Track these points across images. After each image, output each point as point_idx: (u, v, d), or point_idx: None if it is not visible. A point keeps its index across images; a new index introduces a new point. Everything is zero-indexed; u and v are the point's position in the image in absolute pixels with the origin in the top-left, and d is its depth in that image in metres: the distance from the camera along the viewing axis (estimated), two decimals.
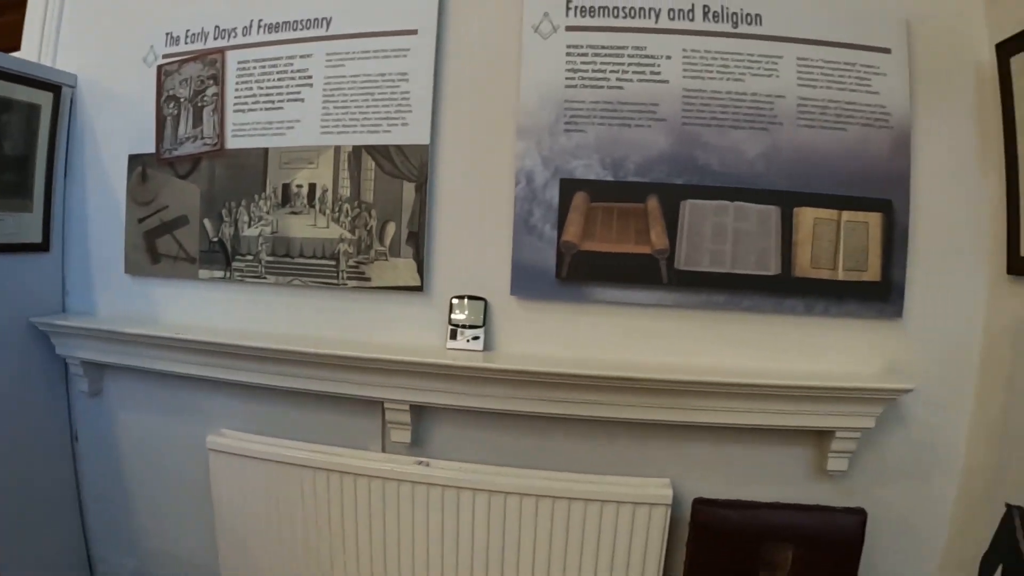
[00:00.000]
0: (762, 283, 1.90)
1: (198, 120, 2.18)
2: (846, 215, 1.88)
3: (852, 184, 1.89)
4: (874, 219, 1.87)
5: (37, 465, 2.27)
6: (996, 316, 1.89)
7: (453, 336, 1.98)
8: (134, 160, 2.23)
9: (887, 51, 1.90)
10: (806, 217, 1.88)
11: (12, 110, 2.13)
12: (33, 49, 2.33)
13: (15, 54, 2.28)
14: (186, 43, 2.21)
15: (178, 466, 2.28)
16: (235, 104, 2.15)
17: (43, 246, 2.24)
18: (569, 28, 1.94)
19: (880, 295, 1.89)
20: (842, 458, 1.91)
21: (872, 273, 1.88)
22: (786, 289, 1.90)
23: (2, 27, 2.56)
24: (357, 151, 2.04)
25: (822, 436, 1.92)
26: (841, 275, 1.88)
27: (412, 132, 2.00)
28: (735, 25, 1.91)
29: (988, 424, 1.90)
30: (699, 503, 1.88)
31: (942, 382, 1.94)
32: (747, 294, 1.91)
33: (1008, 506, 1.74)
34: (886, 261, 1.89)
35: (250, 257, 2.12)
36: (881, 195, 1.88)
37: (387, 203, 2.02)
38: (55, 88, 2.21)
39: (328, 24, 2.08)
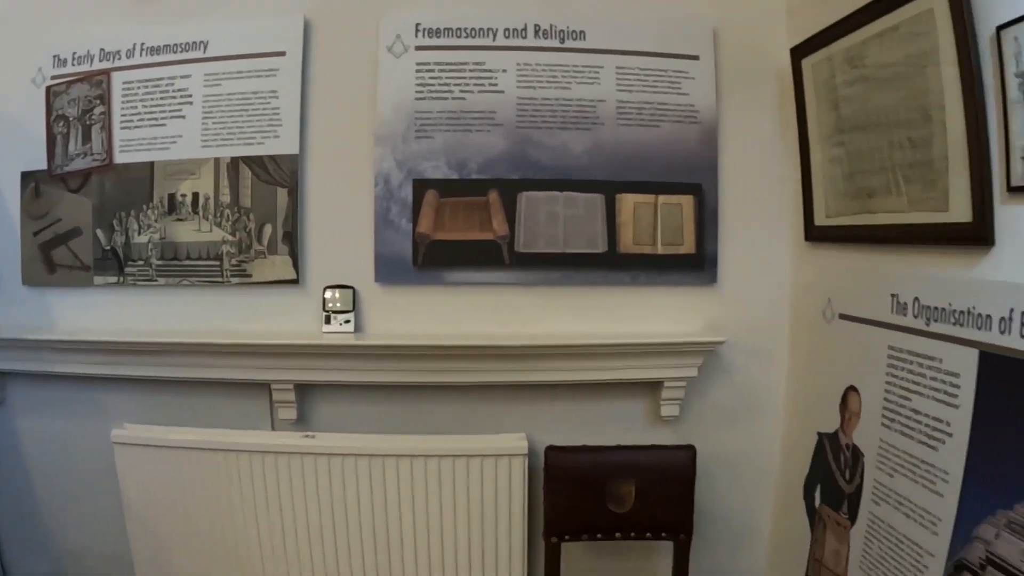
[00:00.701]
0: (592, 260, 2.22)
1: (87, 138, 2.31)
2: (662, 199, 2.22)
3: (666, 172, 2.23)
4: (687, 201, 2.23)
5: None
6: (799, 276, 2.26)
7: (328, 321, 2.21)
8: (27, 177, 2.33)
9: (696, 58, 2.24)
10: (627, 202, 2.22)
11: None
12: None
13: None
14: (73, 65, 2.33)
15: (85, 464, 2.37)
16: (121, 122, 2.29)
17: None
18: (418, 48, 2.21)
19: (696, 265, 2.24)
20: (673, 404, 2.24)
21: (688, 247, 2.24)
22: (613, 264, 2.23)
23: None
24: (235, 162, 2.24)
25: (654, 387, 2.25)
26: (660, 249, 2.23)
27: (283, 143, 2.23)
28: (562, 41, 2.22)
29: (800, 367, 2.25)
30: (551, 450, 2.16)
31: (757, 335, 2.30)
32: (579, 270, 2.23)
33: (819, 435, 2.06)
34: (699, 236, 2.24)
35: (141, 262, 2.28)
36: (692, 180, 2.24)
37: (264, 207, 2.24)
38: None
39: (205, 47, 2.27)
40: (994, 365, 1.41)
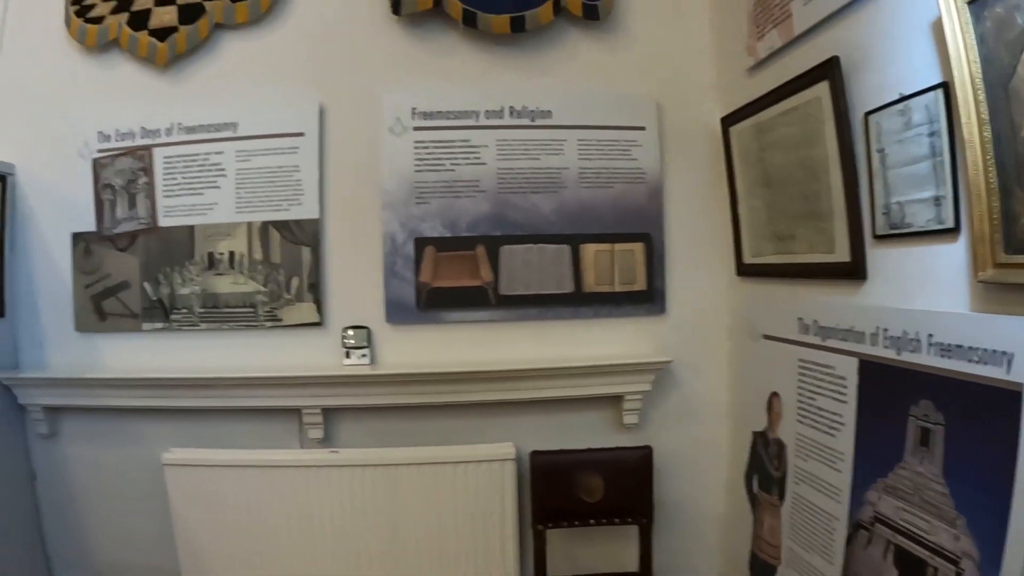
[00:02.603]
0: (561, 299, 2.54)
1: (133, 204, 2.50)
2: (618, 246, 2.54)
3: (620, 224, 2.55)
4: (638, 247, 2.55)
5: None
6: (733, 305, 2.56)
7: (348, 356, 2.48)
8: (77, 237, 2.51)
9: (643, 128, 2.56)
10: (589, 250, 2.54)
11: None
12: None
13: None
14: (116, 140, 2.51)
15: (131, 487, 2.52)
16: (164, 191, 2.50)
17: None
18: (416, 128, 2.51)
19: (647, 299, 2.55)
20: (633, 414, 2.53)
21: (640, 284, 2.55)
22: (579, 301, 2.54)
23: None
24: (265, 225, 2.49)
25: (616, 400, 2.53)
26: (618, 288, 2.55)
27: (305, 209, 2.50)
28: (533, 120, 2.54)
29: (736, 379, 2.54)
30: (534, 454, 2.46)
31: (700, 355, 2.59)
32: (552, 307, 2.54)
33: (753, 433, 2.32)
34: (650, 275, 2.55)
35: (185, 310, 2.49)
36: (642, 230, 2.56)
37: (291, 263, 2.50)
38: (2, 177, 2.45)
39: (236, 128, 2.51)
40: (869, 369, 1.73)
